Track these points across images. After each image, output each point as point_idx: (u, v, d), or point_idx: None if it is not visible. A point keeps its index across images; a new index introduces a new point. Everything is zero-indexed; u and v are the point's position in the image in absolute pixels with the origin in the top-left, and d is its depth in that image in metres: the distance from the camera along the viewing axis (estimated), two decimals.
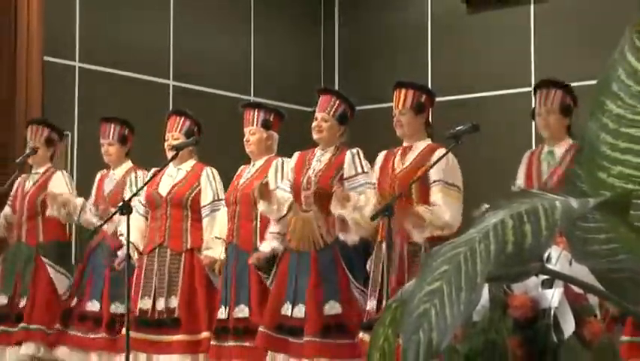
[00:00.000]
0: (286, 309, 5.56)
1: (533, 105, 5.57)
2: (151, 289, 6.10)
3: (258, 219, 5.89)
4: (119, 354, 6.28)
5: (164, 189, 6.24)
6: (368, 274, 5.43)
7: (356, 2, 10.45)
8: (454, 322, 1.36)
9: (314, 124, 5.76)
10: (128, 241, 5.62)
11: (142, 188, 6.08)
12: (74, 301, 6.54)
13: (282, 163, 5.95)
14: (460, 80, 9.49)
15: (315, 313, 5.47)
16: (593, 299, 2.55)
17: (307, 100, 8.87)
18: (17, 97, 7.82)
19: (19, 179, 7.04)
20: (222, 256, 6.04)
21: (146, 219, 6.34)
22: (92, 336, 6.41)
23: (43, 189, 6.79)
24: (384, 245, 5.12)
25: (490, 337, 2.44)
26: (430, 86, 8.48)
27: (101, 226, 6.07)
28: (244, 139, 6.08)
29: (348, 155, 5.64)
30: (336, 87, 9.92)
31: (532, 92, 5.54)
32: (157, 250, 6.16)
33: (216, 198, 6.18)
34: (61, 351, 6.46)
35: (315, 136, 5.76)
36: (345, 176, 5.59)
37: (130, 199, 5.64)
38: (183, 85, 9.25)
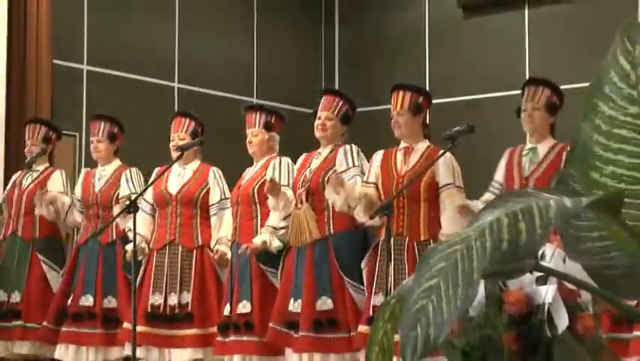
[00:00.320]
0: (291, 304, 5.58)
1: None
2: (162, 285, 6.10)
3: (259, 218, 5.89)
4: (118, 347, 6.28)
5: (173, 188, 6.25)
6: (367, 268, 5.43)
7: (356, 6, 10.46)
8: (450, 317, 1.36)
9: (317, 122, 5.76)
10: (135, 238, 5.62)
11: (147, 188, 6.10)
12: (68, 299, 6.49)
13: (280, 162, 5.95)
14: (457, 81, 9.50)
15: (308, 308, 5.48)
16: (586, 295, 2.55)
17: (307, 101, 8.88)
18: (27, 99, 7.83)
19: (16, 175, 7.01)
20: (229, 255, 6.05)
21: (153, 217, 6.34)
22: (87, 331, 6.38)
23: (42, 186, 6.75)
24: (391, 241, 5.15)
25: (486, 332, 2.43)
26: (427, 87, 8.49)
27: (106, 226, 6.06)
28: (247, 140, 6.08)
29: (340, 151, 5.65)
30: (337, 88, 9.94)
31: (521, 90, 5.49)
32: (167, 247, 6.17)
33: (223, 196, 6.21)
34: (59, 352, 6.42)
35: (318, 134, 5.76)
36: (337, 171, 5.59)
37: (136, 199, 5.64)
38: (188, 87, 9.25)
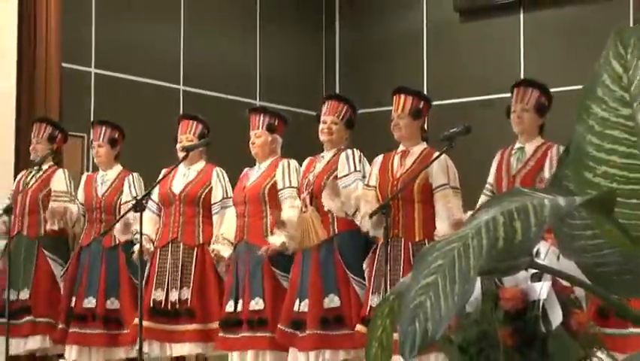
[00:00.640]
0: (296, 305, 5.58)
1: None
2: (164, 282, 6.11)
3: (268, 217, 5.89)
4: (123, 347, 6.28)
5: (177, 187, 6.25)
6: (369, 269, 5.43)
7: (356, 10, 10.46)
8: (448, 313, 1.36)
9: (323, 127, 5.75)
10: (141, 237, 5.63)
11: (153, 188, 6.10)
12: (72, 301, 6.47)
13: (288, 164, 5.95)
14: (453, 84, 9.50)
15: (316, 307, 5.47)
16: (579, 292, 2.55)
17: (309, 103, 8.89)
18: (36, 101, 7.82)
19: (21, 174, 6.99)
20: (226, 255, 6.02)
21: (159, 216, 6.34)
22: (90, 332, 6.37)
23: (46, 185, 6.74)
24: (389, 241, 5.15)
25: (483, 327, 2.43)
26: (425, 90, 8.48)
27: (111, 227, 6.06)
28: (250, 142, 6.08)
29: (342, 155, 5.65)
30: (337, 91, 9.94)
31: (510, 91, 5.41)
32: (170, 245, 6.17)
33: (225, 196, 6.21)
34: (67, 353, 6.42)
35: (323, 138, 5.75)
36: (339, 175, 5.59)
37: (142, 198, 5.63)
38: (193, 90, 9.25)
